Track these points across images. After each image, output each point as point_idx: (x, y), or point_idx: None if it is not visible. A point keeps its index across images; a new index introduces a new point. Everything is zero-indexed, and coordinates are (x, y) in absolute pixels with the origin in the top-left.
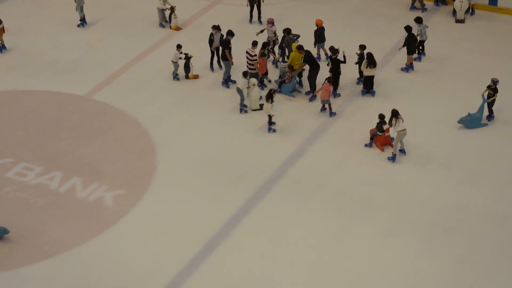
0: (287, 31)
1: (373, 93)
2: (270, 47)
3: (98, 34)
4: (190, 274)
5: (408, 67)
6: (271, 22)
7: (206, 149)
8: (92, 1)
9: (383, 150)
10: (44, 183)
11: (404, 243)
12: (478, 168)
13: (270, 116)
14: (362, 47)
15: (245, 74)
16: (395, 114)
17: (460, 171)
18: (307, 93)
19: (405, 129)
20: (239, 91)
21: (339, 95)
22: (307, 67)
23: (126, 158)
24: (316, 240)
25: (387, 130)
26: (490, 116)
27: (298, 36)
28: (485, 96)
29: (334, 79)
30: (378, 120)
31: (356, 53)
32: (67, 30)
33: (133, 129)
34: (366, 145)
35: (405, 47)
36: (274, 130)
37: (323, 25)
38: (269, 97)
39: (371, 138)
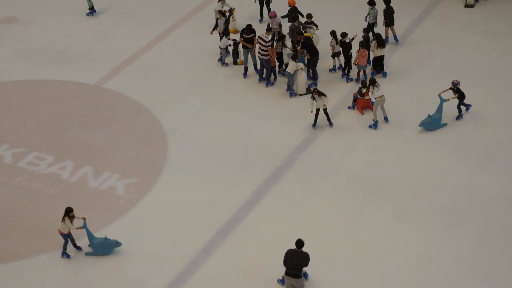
0: (292, 18)
1: (384, 74)
2: (275, 38)
3: (108, 22)
4: (204, 260)
5: (388, 39)
6: (273, 16)
7: (217, 136)
8: None
9: (362, 113)
10: (56, 173)
11: (417, 228)
12: (491, 151)
13: (317, 111)
14: (366, 30)
15: (293, 57)
16: (372, 82)
17: (473, 155)
18: (309, 86)
19: (383, 96)
20: (288, 74)
21: (352, 79)
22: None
23: (138, 146)
24: (328, 225)
25: (367, 94)
26: (459, 115)
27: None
28: (443, 96)
29: (345, 62)
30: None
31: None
32: (77, 18)
33: (144, 117)
34: (349, 107)
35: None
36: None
37: (296, 5)
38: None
39: (354, 101)
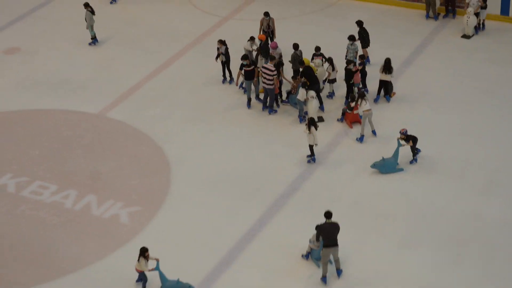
0: (295, 46)
1: (388, 99)
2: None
3: (111, 51)
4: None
5: (366, 60)
6: (274, 47)
7: (220, 164)
8: (104, 17)
9: (351, 127)
10: (59, 201)
11: (420, 255)
12: (493, 177)
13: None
14: (362, 57)
15: (304, 85)
16: (361, 95)
17: (475, 181)
18: (338, 120)
19: (370, 109)
20: (299, 102)
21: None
22: None
23: (141, 175)
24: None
25: (355, 108)
26: (413, 159)
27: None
28: (400, 141)
29: (347, 91)
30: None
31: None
32: (80, 48)
33: (147, 146)
34: (338, 120)
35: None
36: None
37: (265, 39)
38: (309, 125)
39: (343, 114)
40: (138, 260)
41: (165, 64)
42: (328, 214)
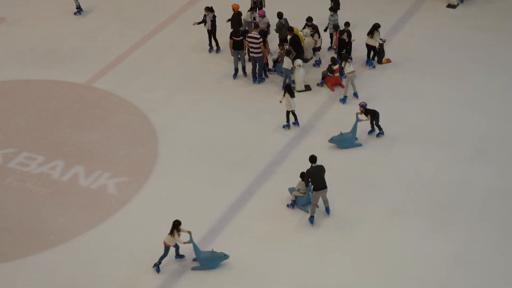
0: (279, 15)
1: (371, 63)
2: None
3: (96, 21)
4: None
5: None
6: (262, 15)
7: (207, 134)
8: None
9: (333, 90)
10: (47, 172)
11: (409, 223)
12: (481, 145)
13: (288, 113)
14: (347, 24)
15: (288, 53)
16: (345, 57)
17: (463, 148)
18: (318, 85)
19: (354, 71)
20: (285, 70)
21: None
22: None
23: (128, 145)
24: (321, 221)
25: (336, 71)
26: (379, 132)
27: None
28: (359, 116)
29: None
30: (330, 63)
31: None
32: (65, 18)
33: (135, 115)
34: (318, 85)
35: None
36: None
37: (239, 9)
38: (285, 91)
39: (323, 78)
40: (171, 233)
41: (151, 34)
42: (313, 158)
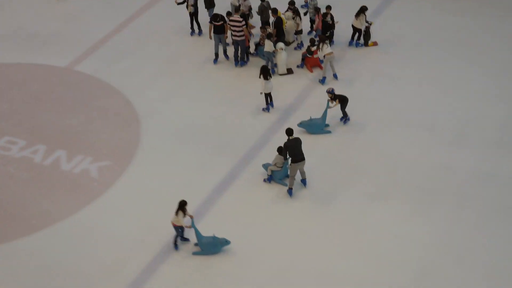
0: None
1: (356, 45)
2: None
3: (78, 4)
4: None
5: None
6: None
7: (190, 118)
8: None
9: (312, 71)
10: (29, 156)
11: (390, 206)
12: (463, 129)
13: (266, 95)
14: (328, 8)
15: (269, 36)
16: (322, 39)
17: (445, 132)
18: (298, 66)
19: (332, 52)
20: (267, 53)
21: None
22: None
23: (110, 129)
24: (303, 205)
25: (315, 52)
26: (345, 119)
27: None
28: (330, 103)
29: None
30: (309, 44)
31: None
32: (46, 1)
33: (117, 99)
34: (297, 66)
35: None
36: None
37: None
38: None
39: (302, 60)
40: (176, 213)
41: (133, 17)
42: (289, 131)
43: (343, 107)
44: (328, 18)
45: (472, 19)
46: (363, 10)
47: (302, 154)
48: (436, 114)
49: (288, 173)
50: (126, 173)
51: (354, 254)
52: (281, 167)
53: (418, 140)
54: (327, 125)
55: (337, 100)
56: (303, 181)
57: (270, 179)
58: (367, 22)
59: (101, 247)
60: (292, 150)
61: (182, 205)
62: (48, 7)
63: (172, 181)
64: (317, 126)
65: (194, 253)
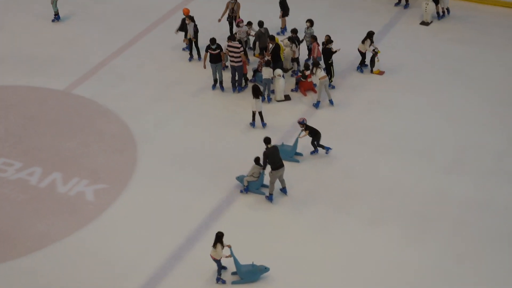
0: (260, 24)
1: (357, 68)
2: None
3: (77, 28)
4: (173, 267)
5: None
6: (241, 22)
7: (187, 143)
8: None
9: (305, 95)
10: (24, 178)
11: (387, 232)
12: (459, 157)
13: (254, 113)
14: (328, 37)
15: (267, 63)
16: (316, 63)
17: (441, 159)
18: (292, 90)
19: (325, 76)
20: (265, 81)
21: (333, 87)
22: None
23: (107, 153)
24: (299, 231)
25: (309, 76)
26: (315, 152)
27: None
28: (302, 133)
29: (326, 69)
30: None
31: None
32: (45, 24)
33: (114, 123)
34: (292, 90)
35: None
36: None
37: (190, 13)
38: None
39: (297, 84)
40: (215, 246)
41: (131, 41)
42: (267, 140)
43: (314, 141)
44: (330, 45)
45: (470, 48)
46: (369, 35)
47: (281, 161)
48: (433, 141)
49: (269, 180)
50: (122, 197)
51: (347, 279)
52: (258, 177)
53: (414, 166)
54: (300, 154)
55: (306, 131)
56: (283, 190)
57: (247, 190)
58: (374, 49)
59: (96, 270)
60: (272, 158)
61: (220, 237)
62: (47, 30)
63: (167, 205)
64: (285, 153)
65: (234, 282)
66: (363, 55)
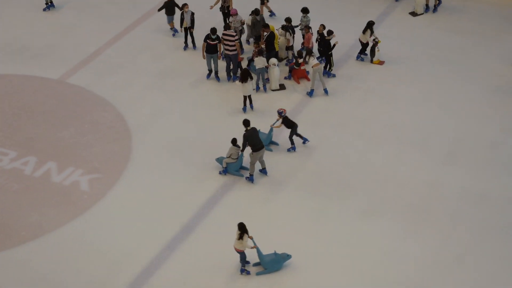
0: (256, 11)
1: (357, 58)
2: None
3: (70, 17)
4: (168, 256)
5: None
6: (234, 14)
7: (181, 132)
8: None
9: (299, 83)
10: (19, 168)
11: (381, 224)
12: (455, 147)
13: (245, 97)
14: (323, 26)
15: (260, 52)
16: (309, 52)
17: (437, 150)
18: (285, 78)
19: (318, 64)
20: (259, 70)
21: (334, 75)
22: None
23: (102, 142)
24: (294, 221)
25: (302, 64)
26: (291, 147)
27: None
28: (276, 123)
29: (326, 60)
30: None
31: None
32: (38, 14)
33: (109, 112)
34: (285, 78)
35: None
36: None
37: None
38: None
39: (290, 71)
40: (241, 238)
41: (125, 31)
42: (246, 122)
43: (291, 135)
44: (331, 37)
45: (466, 38)
46: (369, 25)
47: (261, 142)
48: (429, 132)
49: (250, 162)
50: (117, 186)
51: (342, 272)
52: (236, 158)
53: (410, 158)
54: (276, 144)
55: (280, 124)
56: (263, 171)
57: (225, 171)
58: (374, 39)
59: (90, 259)
60: (251, 140)
61: (244, 228)
62: (41, 20)
63: (162, 195)
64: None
65: (258, 273)
66: (364, 45)
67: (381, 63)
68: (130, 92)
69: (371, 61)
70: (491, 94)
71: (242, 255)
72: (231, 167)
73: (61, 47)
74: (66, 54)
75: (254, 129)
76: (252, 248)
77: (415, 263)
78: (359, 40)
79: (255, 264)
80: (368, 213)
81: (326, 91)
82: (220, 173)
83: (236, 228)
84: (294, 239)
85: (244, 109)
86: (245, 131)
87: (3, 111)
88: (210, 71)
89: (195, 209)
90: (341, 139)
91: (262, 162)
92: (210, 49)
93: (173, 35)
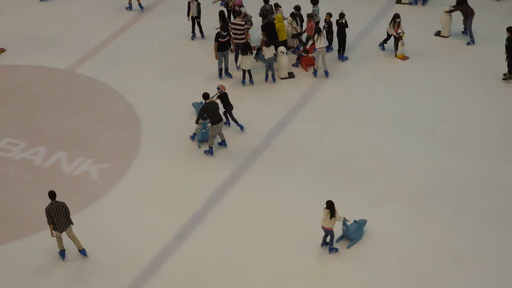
0: (265, 0)
1: (380, 45)
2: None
3: (77, 7)
4: (177, 246)
5: None
6: (238, 4)
7: (190, 122)
8: None
9: (307, 70)
10: (29, 158)
11: (390, 211)
12: (462, 135)
13: (244, 71)
14: (329, 15)
15: (267, 43)
16: (318, 30)
17: (445, 138)
18: (293, 65)
19: (323, 47)
20: (268, 60)
21: (347, 58)
22: None
23: (111, 132)
24: (303, 210)
25: (311, 51)
26: (226, 122)
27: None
28: (213, 97)
29: (340, 43)
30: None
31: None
32: (46, 4)
33: (118, 102)
34: (293, 65)
35: None
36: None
37: None
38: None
39: (298, 59)
40: (333, 215)
41: (133, 20)
42: (206, 95)
43: (225, 112)
44: (343, 20)
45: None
46: (394, 17)
47: (220, 116)
48: (436, 120)
49: (209, 134)
50: (126, 176)
51: (354, 261)
52: (199, 129)
53: (417, 145)
54: (241, 127)
55: (217, 98)
56: (223, 143)
57: (193, 137)
58: (398, 33)
59: (101, 249)
60: (211, 113)
61: (333, 205)
62: (49, 11)
63: (172, 185)
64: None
65: (349, 246)
66: (388, 36)
67: (404, 58)
68: (138, 82)
69: (395, 55)
70: (497, 82)
71: (331, 233)
72: (200, 136)
73: (69, 37)
74: (74, 44)
75: (213, 103)
76: (344, 219)
77: (423, 250)
78: (387, 32)
79: (338, 240)
80: (375, 201)
81: (326, 73)
82: (190, 137)
83: (324, 207)
84: (303, 228)
85: (243, 82)
86: (204, 103)
87: (12, 102)
88: (221, 70)
89: (204, 199)
90: (349, 126)
91: (221, 135)
92: (221, 47)
93: (126, 8)
